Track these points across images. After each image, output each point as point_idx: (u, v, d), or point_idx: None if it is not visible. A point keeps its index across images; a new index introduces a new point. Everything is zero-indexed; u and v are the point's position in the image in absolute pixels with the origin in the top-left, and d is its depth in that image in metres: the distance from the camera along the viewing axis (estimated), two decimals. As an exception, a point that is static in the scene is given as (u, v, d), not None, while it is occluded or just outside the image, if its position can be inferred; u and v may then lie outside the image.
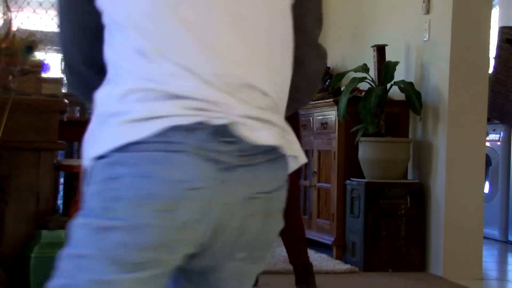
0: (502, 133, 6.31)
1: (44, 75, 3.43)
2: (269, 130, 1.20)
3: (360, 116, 4.66)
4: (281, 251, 5.04)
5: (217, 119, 1.15)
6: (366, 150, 4.70)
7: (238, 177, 1.18)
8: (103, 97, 1.21)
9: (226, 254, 1.23)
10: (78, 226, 1.16)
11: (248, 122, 1.18)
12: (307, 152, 5.53)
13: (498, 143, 6.33)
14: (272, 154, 1.22)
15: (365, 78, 4.82)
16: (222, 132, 1.16)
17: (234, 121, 1.16)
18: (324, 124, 5.16)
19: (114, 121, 1.16)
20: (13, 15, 3.05)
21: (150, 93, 1.15)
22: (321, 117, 5.23)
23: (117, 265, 1.13)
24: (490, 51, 4.72)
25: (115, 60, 1.20)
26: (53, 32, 6.64)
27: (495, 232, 6.23)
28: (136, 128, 1.14)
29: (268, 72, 1.23)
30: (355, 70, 4.91)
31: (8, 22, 3.05)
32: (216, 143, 1.15)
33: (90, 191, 1.17)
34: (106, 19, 1.22)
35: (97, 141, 1.18)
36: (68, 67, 1.37)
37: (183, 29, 1.18)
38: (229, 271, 1.26)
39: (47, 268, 2.82)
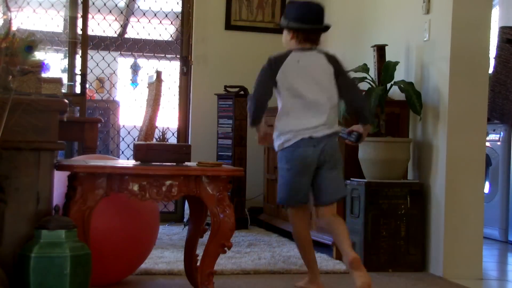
0: (502, 133, 6.31)
1: (44, 75, 3.43)
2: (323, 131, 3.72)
3: (360, 116, 4.66)
4: (280, 251, 5.04)
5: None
6: (366, 150, 4.70)
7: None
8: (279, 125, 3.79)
9: (326, 163, 3.71)
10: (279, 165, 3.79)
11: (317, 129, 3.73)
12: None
13: (498, 143, 6.33)
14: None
15: (365, 78, 4.83)
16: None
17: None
18: (324, 124, 5.15)
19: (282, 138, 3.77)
20: (13, 15, 3.05)
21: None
22: (321, 117, 5.22)
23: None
24: (490, 51, 4.72)
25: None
26: (52, 32, 6.65)
27: (495, 232, 6.23)
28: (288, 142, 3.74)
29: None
30: (355, 70, 4.91)
31: (8, 22, 3.05)
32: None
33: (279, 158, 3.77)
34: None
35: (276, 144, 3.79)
36: (256, 101, 3.77)
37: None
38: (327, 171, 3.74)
39: (47, 268, 2.83)
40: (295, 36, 3.77)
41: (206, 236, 3.52)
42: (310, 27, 3.77)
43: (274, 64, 3.74)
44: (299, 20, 3.75)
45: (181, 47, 6.92)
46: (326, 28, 3.82)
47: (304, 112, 3.71)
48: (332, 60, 3.84)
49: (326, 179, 3.73)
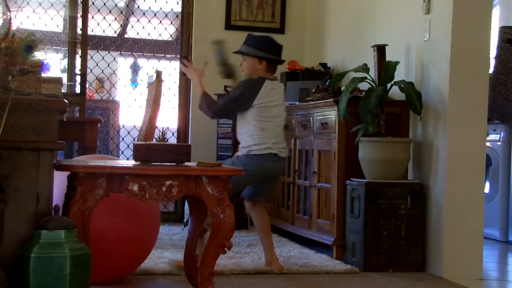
0: (502, 133, 6.31)
1: (44, 75, 3.42)
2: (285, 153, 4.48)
3: (360, 116, 4.66)
4: (280, 251, 5.04)
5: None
6: (366, 150, 4.70)
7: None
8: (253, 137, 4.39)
9: (274, 178, 4.57)
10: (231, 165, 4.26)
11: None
12: (307, 152, 5.53)
13: (499, 143, 6.33)
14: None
15: (365, 78, 4.82)
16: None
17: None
18: (324, 124, 5.15)
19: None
20: (12, 14, 3.05)
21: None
22: (321, 117, 5.23)
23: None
24: (490, 51, 4.71)
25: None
26: (52, 32, 6.65)
27: (495, 232, 6.23)
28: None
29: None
30: (355, 70, 4.91)
31: (7, 22, 3.05)
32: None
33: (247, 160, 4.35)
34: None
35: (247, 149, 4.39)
36: (220, 115, 4.66)
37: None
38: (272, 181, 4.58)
39: (47, 268, 2.82)
40: (266, 66, 4.44)
41: (206, 236, 3.51)
42: (279, 59, 4.48)
43: (253, 90, 4.35)
44: (271, 52, 4.45)
45: (181, 47, 6.92)
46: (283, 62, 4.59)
47: (275, 132, 4.41)
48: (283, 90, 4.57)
49: (269, 187, 4.60)
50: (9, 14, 3.05)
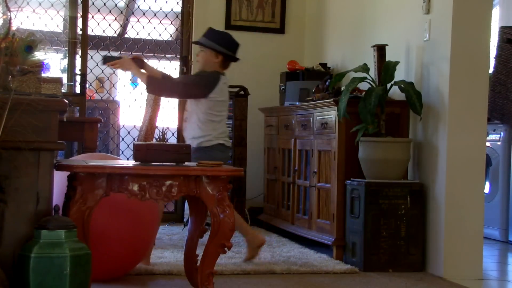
0: (502, 133, 6.31)
1: (44, 75, 3.42)
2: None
3: (360, 116, 4.66)
4: (280, 251, 5.04)
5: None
6: (366, 150, 4.70)
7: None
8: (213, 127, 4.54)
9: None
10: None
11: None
12: (307, 152, 5.53)
13: (499, 143, 6.33)
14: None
15: (365, 78, 4.82)
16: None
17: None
18: (324, 124, 5.15)
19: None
20: (12, 14, 3.05)
21: None
22: (321, 117, 5.23)
23: None
24: (490, 51, 4.71)
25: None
26: (52, 32, 6.65)
27: (495, 232, 6.23)
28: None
29: None
30: (355, 70, 4.91)
31: (7, 22, 3.05)
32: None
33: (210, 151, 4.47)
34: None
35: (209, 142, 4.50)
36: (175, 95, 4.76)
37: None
38: None
39: (47, 268, 2.82)
40: (221, 61, 4.56)
41: (206, 236, 3.51)
42: (235, 57, 4.59)
43: (212, 82, 4.46)
44: (229, 49, 4.55)
45: (181, 47, 6.92)
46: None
47: (223, 125, 4.57)
48: None
49: None
50: (9, 14, 3.05)
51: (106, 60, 4.52)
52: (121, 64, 4.48)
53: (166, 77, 4.57)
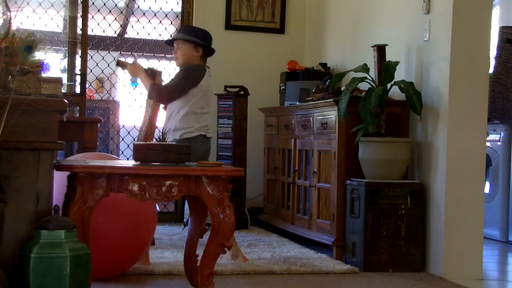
0: (502, 133, 6.31)
1: (44, 75, 3.42)
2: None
3: (360, 116, 4.66)
4: (280, 251, 5.04)
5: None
6: (366, 150, 4.70)
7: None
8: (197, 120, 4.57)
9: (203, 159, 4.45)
10: None
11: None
12: (307, 152, 5.53)
13: (499, 143, 6.33)
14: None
15: (365, 78, 4.82)
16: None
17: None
18: (324, 124, 5.15)
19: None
20: (12, 14, 3.05)
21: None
22: (321, 117, 5.23)
23: None
24: (490, 51, 4.71)
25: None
26: (52, 32, 6.64)
27: (495, 232, 6.23)
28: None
29: None
30: (355, 70, 4.91)
31: (7, 22, 3.05)
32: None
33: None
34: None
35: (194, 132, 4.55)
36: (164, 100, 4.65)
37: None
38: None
39: (47, 269, 2.82)
40: (203, 54, 4.62)
41: (206, 236, 3.51)
42: (213, 49, 4.65)
43: (198, 76, 4.51)
44: (208, 43, 4.63)
45: (181, 47, 6.91)
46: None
47: (208, 117, 4.60)
48: None
49: None
50: (9, 14, 3.05)
51: (119, 63, 4.84)
52: (131, 70, 4.75)
53: (163, 87, 4.65)
